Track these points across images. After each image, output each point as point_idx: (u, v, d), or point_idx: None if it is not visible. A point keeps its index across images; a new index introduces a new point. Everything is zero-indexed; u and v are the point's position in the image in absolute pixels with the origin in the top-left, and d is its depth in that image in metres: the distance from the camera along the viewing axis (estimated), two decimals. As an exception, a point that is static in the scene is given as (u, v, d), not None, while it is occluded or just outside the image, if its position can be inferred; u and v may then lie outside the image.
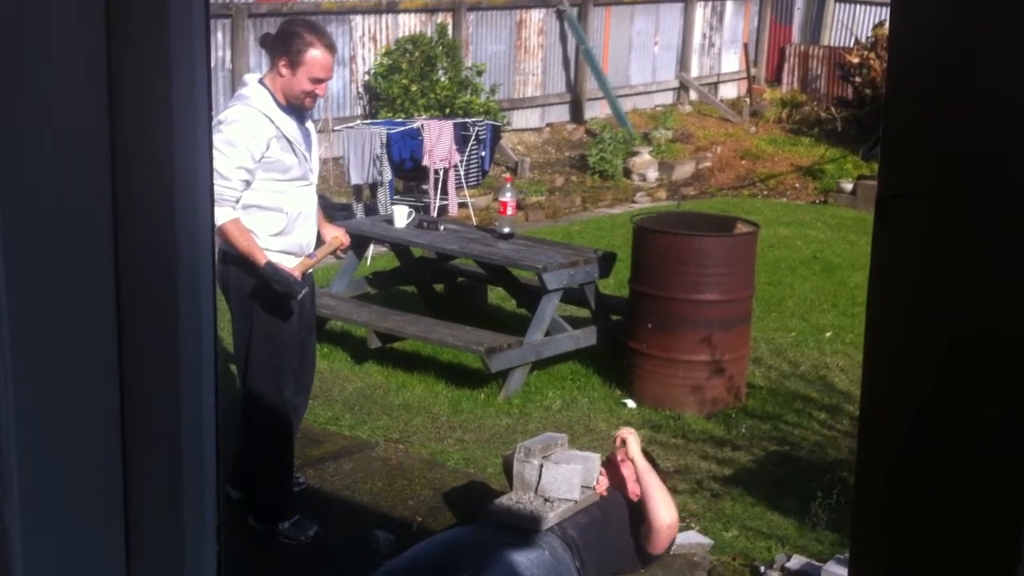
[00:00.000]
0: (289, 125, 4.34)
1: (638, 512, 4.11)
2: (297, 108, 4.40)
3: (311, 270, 4.59)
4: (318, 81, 4.32)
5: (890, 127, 0.85)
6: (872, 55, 13.92)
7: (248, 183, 4.29)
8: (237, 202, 4.29)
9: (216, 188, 4.14)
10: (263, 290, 4.36)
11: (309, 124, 4.55)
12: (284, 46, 4.30)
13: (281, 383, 4.49)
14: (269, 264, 4.30)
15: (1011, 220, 0.76)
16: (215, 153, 4.12)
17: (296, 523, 4.56)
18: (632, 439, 4.27)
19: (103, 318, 1.01)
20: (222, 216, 4.22)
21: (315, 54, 4.27)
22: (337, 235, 4.70)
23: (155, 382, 1.03)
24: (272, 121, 4.28)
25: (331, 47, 4.36)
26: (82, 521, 1.03)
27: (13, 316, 0.88)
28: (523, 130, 13.93)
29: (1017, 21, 0.75)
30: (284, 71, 4.29)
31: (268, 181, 4.33)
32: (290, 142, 4.33)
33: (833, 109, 14.93)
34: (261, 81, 4.38)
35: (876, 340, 0.87)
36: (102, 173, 1.00)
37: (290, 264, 4.40)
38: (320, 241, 4.65)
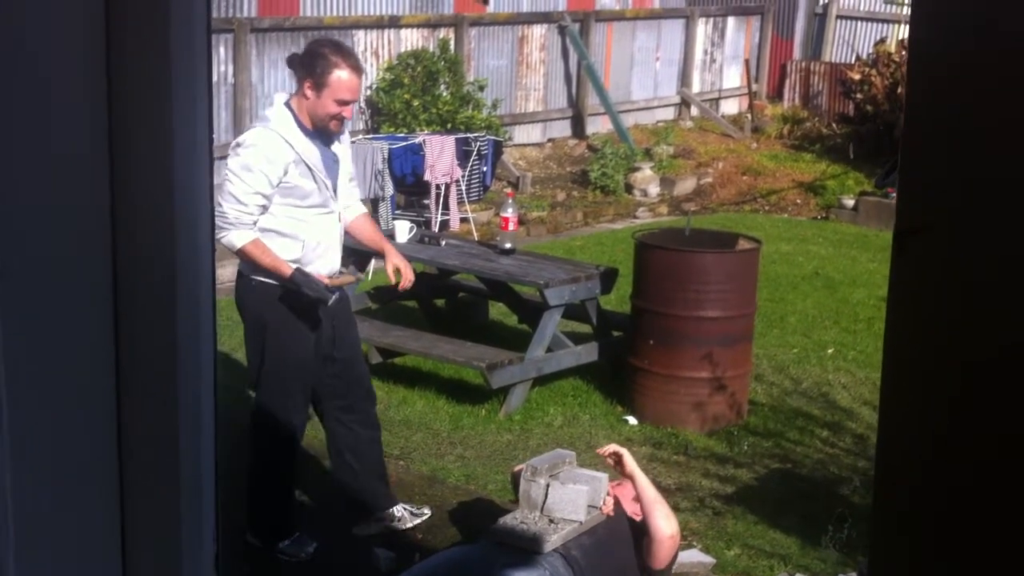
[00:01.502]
0: (310, 150, 4.24)
1: (641, 531, 4.08)
2: (323, 132, 4.29)
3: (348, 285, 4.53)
4: (344, 103, 4.23)
5: (908, 157, 0.84)
6: (873, 72, 13.93)
7: (265, 208, 4.20)
8: (255, 224, 4.20)
9: (232, 213, 4.11)
10: (281, 306, 4.30)
11: (337, 147, 4.42)
12: (309, 67, 4.21)
13: (289, 404, 4.43)
14: (298, 271, 4.21)
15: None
16: (232, 177, 4.08)
17: (295, 540, 4.54)
18: (626, 454, 4.21)
19: (100, 338, 0.99)
20: (241, 239, 4.15)
21: (340, 75, 4.18)
22: (399, 267, 4.56)
23: (153, 409, 1.02)
24: (291, 146, 4.19)
25: (357, 68, 4.27)
26: (77, 550, 1.01)
27: (7, 340, 0.87)
28: (525, 145, 13.93)
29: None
30: (309, 93, 4.20)
31: (285, 207, 4.24)
32: (310, 168, 4.23)
33: (835, 125, 14.93)
34: (288, 103, 4.29)
35: (895, 372, 0.86)
36: (102, 185, 0.98)
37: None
38: (364, 257, 4.53)
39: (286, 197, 4.22)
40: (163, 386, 1.02)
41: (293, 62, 4.38)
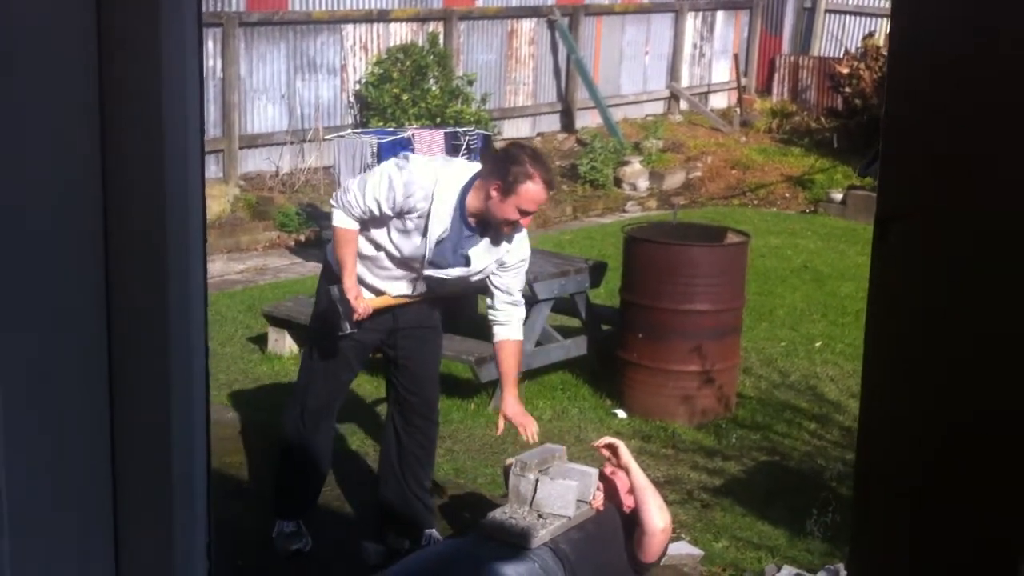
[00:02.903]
0: (443, 223, 4.15)
1: (632, 523, 4.09)
2: (486, 228, 4.20)
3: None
4: (525, 214, 4.14)
5: (889, 146, 0.84)
6: (862, 66, 13.97)
7: (371, 216, 4.14)
8: (357, 220, 4.17)
9: (350, 198, 4.12)
10: (324, 299, 4.33)
11: (483, 250, 4.24)
12: (503, 170, 4.10)
13: (307, 391, 4.50)
14: (342, 290, 4.18)
15: (1011, 242, 0.75)
16: (376, 175, 4.10)
17: (288, 535, 4.58)
18: (622, 446, 4.23)
19: (94, 335, 1.00)
20: (341, 220, 4.16)
21: (531, 187, 4.08)
22: (511, 420, 4.33)
23: (146, 403, 1.02)
24: (432, 205, 4.12)
25: (550, 184, 4.19)
26: (71, 540, 1.02)
27: (2, 339, 0.87)
28: (514, 139, 13.94)
29: (1021, 37, 0.74)
30: (494, 194, 4.09)
31: (392, 229, 4.19)
32: (426, 231, 4.15)
33: (823, 119, 14.96)
34: (469, 182, 4.17)
35: (875, 361, 0.86)
36: (94, 183, 0.99)
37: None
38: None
39: (391, 228, 4.19)
40: (155, 380, 1.02)
41: (486, 155, 4.26)
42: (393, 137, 9.96)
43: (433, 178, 4.11)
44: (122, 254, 1.00)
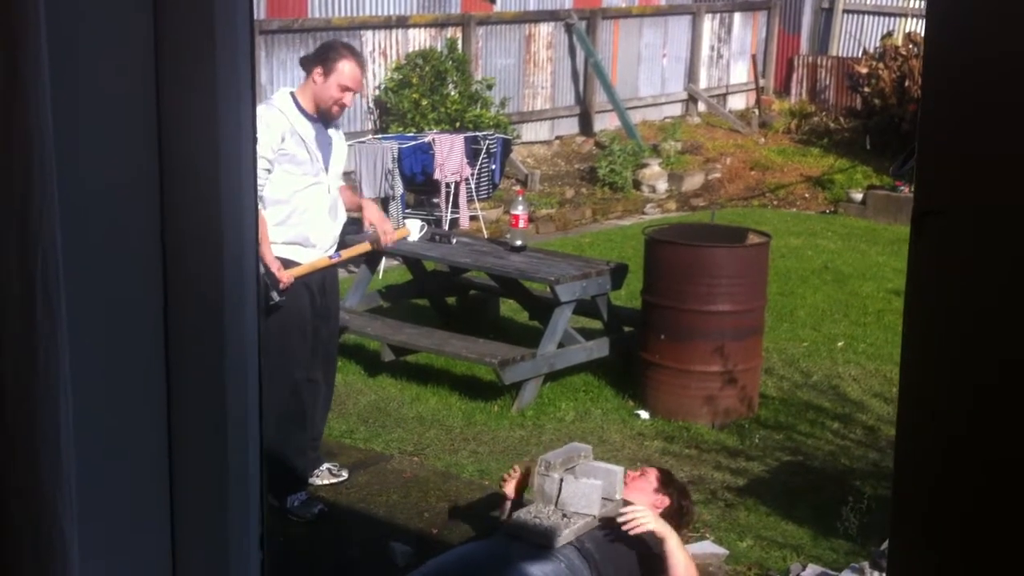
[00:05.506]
0: (305, 126, 4.71)
1: (655, 538, 4.02)
2: (324, 116, 4.79)
3: (340, 267, 5.07)
4: (346, 89, 4.74)
5: (926, 142, 0.85)
6: (881, 65, 13.92)
7: (268, 172, 4.63)
8: (261, 189, 4.61)
9: None
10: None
11: (333, 132, 4.91)
12: (321, 57, 4.79)
13: (293, 363, 4.77)
14: (262, 262, 4.60)
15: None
16: None
17: (305, 502, 4.84)
18: (653, 522, 3.93)
19: (152, 335, 1.03)
20: None
21: (345, 65, 4.74)
22: (375, 223, 5.09)
23: (201, 397, 1.05)
24: (287, 117, 4.67)
25: (361, 63, 4.87)
26: (129, 528, 1.05)
27: (73, 338, 0.91)
28: (533, 143, 13.95)
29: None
30: (318, 79, 4.72)
31: (280, 173, 4.67)
32: (303, 139, 4.69)
33: (842, 119, 14.93)
34: (292, 92, 4.80)
35: (913, 358, 0.87)
36: (151, 191, 1.02)
37: (300, 255, 4.73)
38: (345, 236, 5.01)
39: (283, 164, 4.66)
40: (210, 377, 1.06)
41: (305, 59, 4.92)
42: (413, 142, 10.00)
43: (268, 105, 4.65)
44: (179, 256, 1.03)
